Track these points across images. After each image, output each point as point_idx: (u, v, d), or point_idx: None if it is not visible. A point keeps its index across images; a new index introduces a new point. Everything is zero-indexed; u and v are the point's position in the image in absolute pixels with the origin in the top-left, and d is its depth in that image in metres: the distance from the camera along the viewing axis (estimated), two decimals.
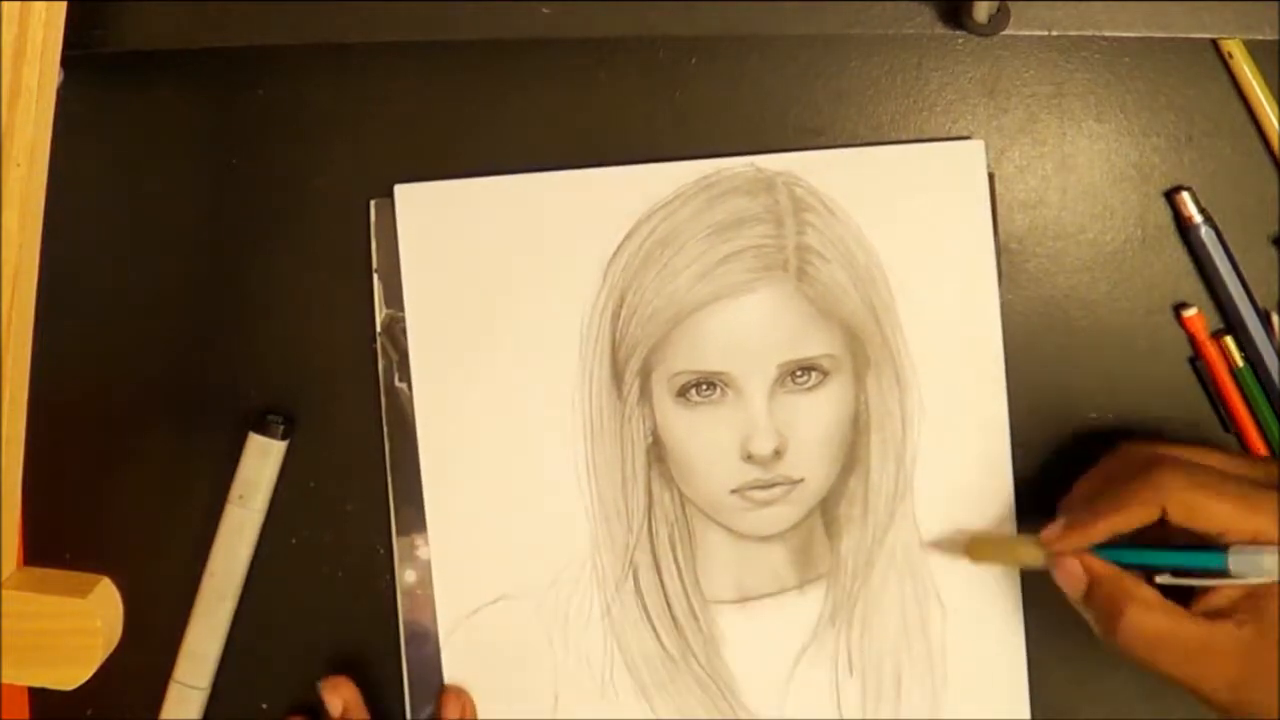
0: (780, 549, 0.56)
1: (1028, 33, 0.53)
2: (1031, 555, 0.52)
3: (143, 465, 0.56)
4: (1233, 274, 0.55)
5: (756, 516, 0.55)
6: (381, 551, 0.56)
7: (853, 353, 0.55)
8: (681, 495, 0.56)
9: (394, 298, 0.55)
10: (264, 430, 0.54)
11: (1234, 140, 0.56)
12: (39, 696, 0.55)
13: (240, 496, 0.55)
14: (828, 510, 0.56)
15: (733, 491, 0.55)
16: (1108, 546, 0.50)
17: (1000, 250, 0.55)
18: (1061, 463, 0.56)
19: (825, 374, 0.55)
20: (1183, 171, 0.56)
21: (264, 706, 0.56)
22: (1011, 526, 0.56)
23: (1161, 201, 0.56)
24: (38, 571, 0.47)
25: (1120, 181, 0.56)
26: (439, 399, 0.55)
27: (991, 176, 0.55)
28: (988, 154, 0.55)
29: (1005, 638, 0.56)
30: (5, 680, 0.45)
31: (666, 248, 0.55)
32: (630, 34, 0.54)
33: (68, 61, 0.46)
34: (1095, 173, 0.56)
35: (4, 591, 0.45)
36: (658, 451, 0.55)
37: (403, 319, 0.55)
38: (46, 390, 0.48)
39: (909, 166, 0.55)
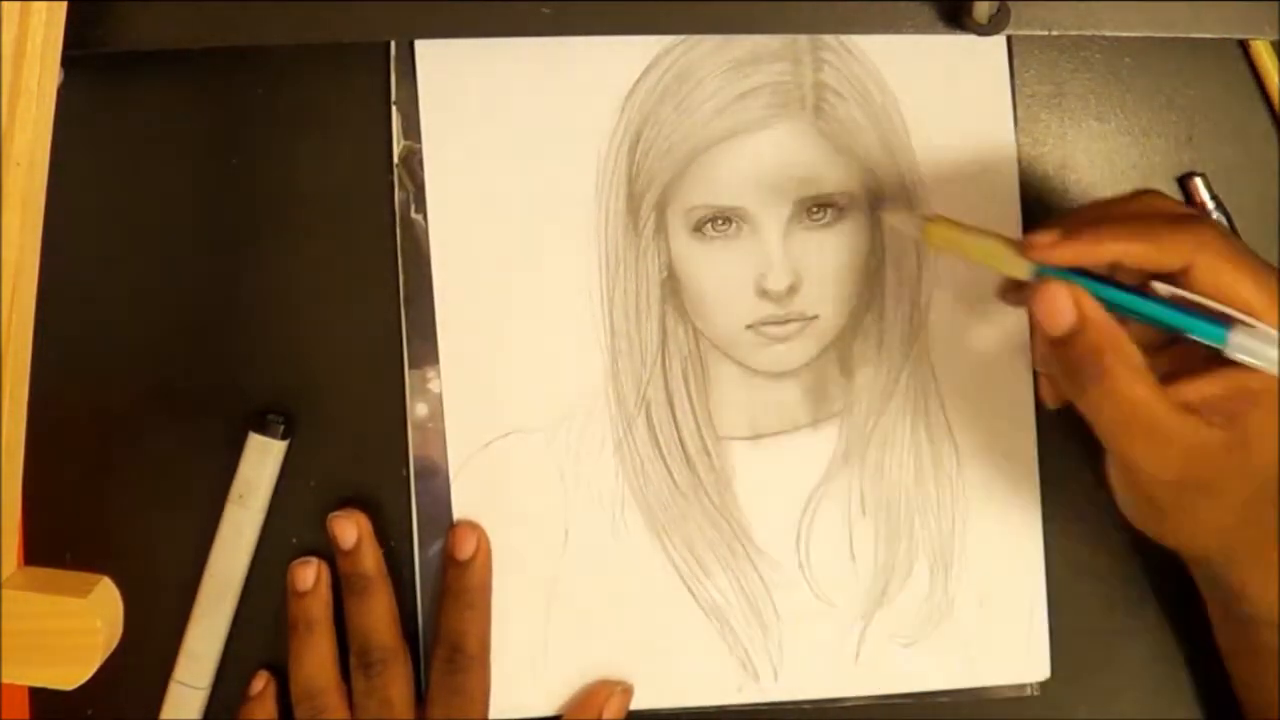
0: (794, 386, 0.56)
1: (1028, 33, 0.53)
2: (1010, 262, 0.47)
3: (143, 465, 0.56)
4: None
5: (770, 352, 0.55)
6: (383, 551, 0.56)
7: (869, 190, 0.55)
8: (695, 330, 0.56)
9: (412, 129, 0.55)
10: (264, 430, 0.54)
11: (1234, 139, 0.56)
12: (39, 696, 0.55)
13: (240, 496, 0.55)
14: (842, 348, 0.56)
15: (747, 327, 0.55)
16: (1100, 281, 0.45)
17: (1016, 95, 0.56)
18: (1062, 463, 0.56)
19: (841, 210, 0.55)
20: (1182, 171, 0.56)
21: None
22: (1026, 369, 0.55)
23: None
24: (38, 571, 0.47)
25: (1120, 181, 0.56)
26: (454, 230, 0.55)
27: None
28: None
29: (1019, 478, 0.56)
30: (5, 680, 0.45)
31: (684, 83, 0.55)
32: (629, 35, 0.54)
33: (68, 61, 0.46)
34: (1095, 173, 0.56)
35: (4, 591, 0.45)
36: (672, 286, 0.55)
37: (419, 150, 0.55)
38: (46, 390, 0.48)
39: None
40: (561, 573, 0.56)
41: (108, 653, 0.46)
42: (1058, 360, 0.46)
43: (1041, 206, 0.56)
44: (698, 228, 0.55)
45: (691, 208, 0.55)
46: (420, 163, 0.55)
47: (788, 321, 0.55)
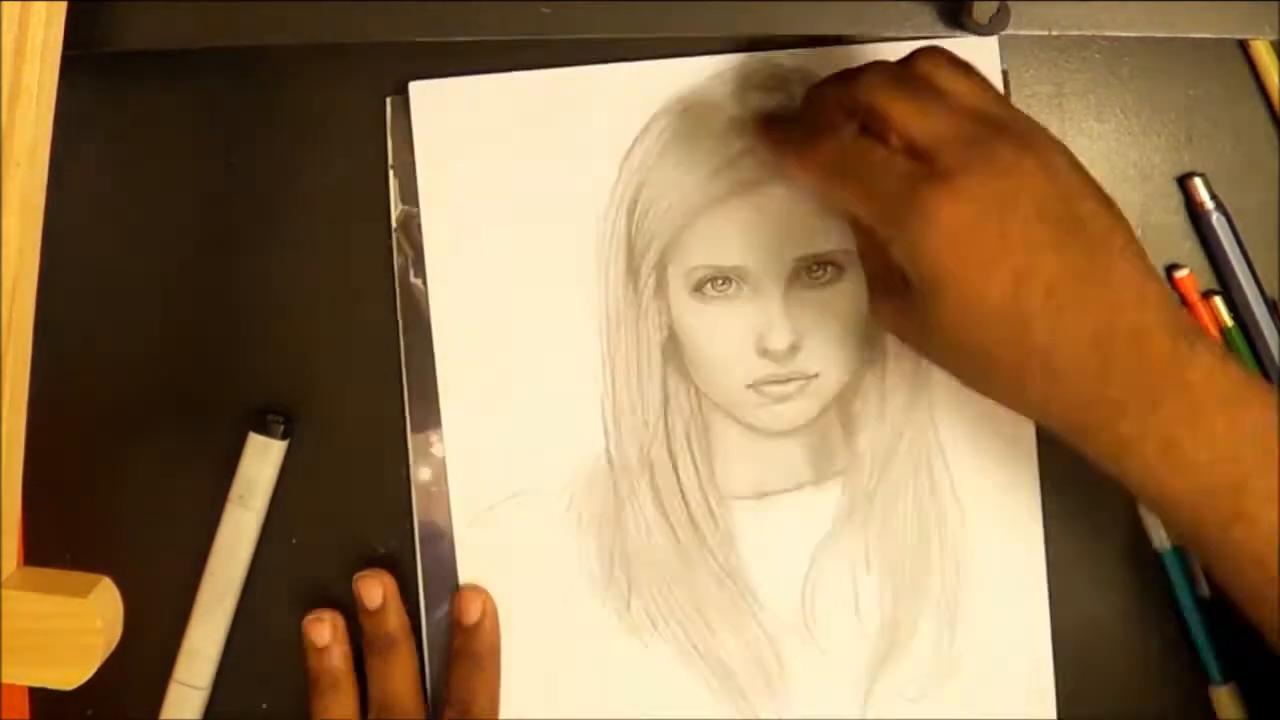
0: (796, 445, 0.56)
1: (1028, 33, 0.53)
2: None
3: (143, 465, 0.56)
4: (1242, 261, 0.55)
5: (772, 412, 0.55)
6: (382, 551, 0.56)
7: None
8: (697, 391, 0.55)
9: (409, 194, 0.55)
10: (264, 430, 0.54)
11: (1234, 139, 0.56)
12: (39, 696, 0.55)
13: (240, 496, 0.55)
14: (844, 406, 0.55)
15: (749, 387, 0.55)
16: None
17: None
18: (1062, 464, 0.56)
19: (841, 269, 0.55)
20: (1182, 171, 0.56)
21: (264, 706, 0.56)
22: (1030, 424, 0.55)
23: (1162, 201, 0.56)
24: (38, 571, 0.47)
25: (1121, 181, 0.56)
26: (454, 294, 0.55)
27: (1005, 73, 0.55)
28: (1002, 52, 0.54)
29: (1024, 537, 0.55)
30: (5, 680, 0.45)
31: (682, 143, 0.55)
32: (630, 34, 0.54)
33: (68, 61, 0.46)
34: (1095, 173, 0.55)
35: (4, 591, 0.45)
36: (673, 346, 0.55)
37: (418, 215, 0.55)
38: (46, 390, 0.48)
39: None
40: (568, 633, 0.55)
41: (108, 653, 0.46)
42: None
43: None
44: (698, 288, 0.55)
45: (692, 268, 0.55)
46: (418, 227, 0.55)
47: (789, 381, 0.55)
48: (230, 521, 0.55)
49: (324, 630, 0.54)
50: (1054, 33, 0.53)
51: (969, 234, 0.43)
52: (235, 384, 0.55)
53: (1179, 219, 0.56)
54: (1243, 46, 0.55)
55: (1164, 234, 0.56)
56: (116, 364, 0.56)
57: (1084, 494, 0.56)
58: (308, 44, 0.53)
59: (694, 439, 0.55)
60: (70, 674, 0.45)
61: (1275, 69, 0.55)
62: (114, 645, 0.46)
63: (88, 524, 0.55)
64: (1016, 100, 0.56)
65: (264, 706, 0.56)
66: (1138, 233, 0.56)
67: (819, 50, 0.54)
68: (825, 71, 0.53)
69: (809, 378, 0.55)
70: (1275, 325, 0.55)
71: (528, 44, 0.54)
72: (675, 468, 0.55)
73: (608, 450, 0.55)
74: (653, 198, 0.55)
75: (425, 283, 0.55)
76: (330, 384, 0.56)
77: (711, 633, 0.56)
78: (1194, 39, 0.54)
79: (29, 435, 0.46)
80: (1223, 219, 0.55)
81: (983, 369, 0.46)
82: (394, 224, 0.55)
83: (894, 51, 0.55)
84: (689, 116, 0.55)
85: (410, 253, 0.55)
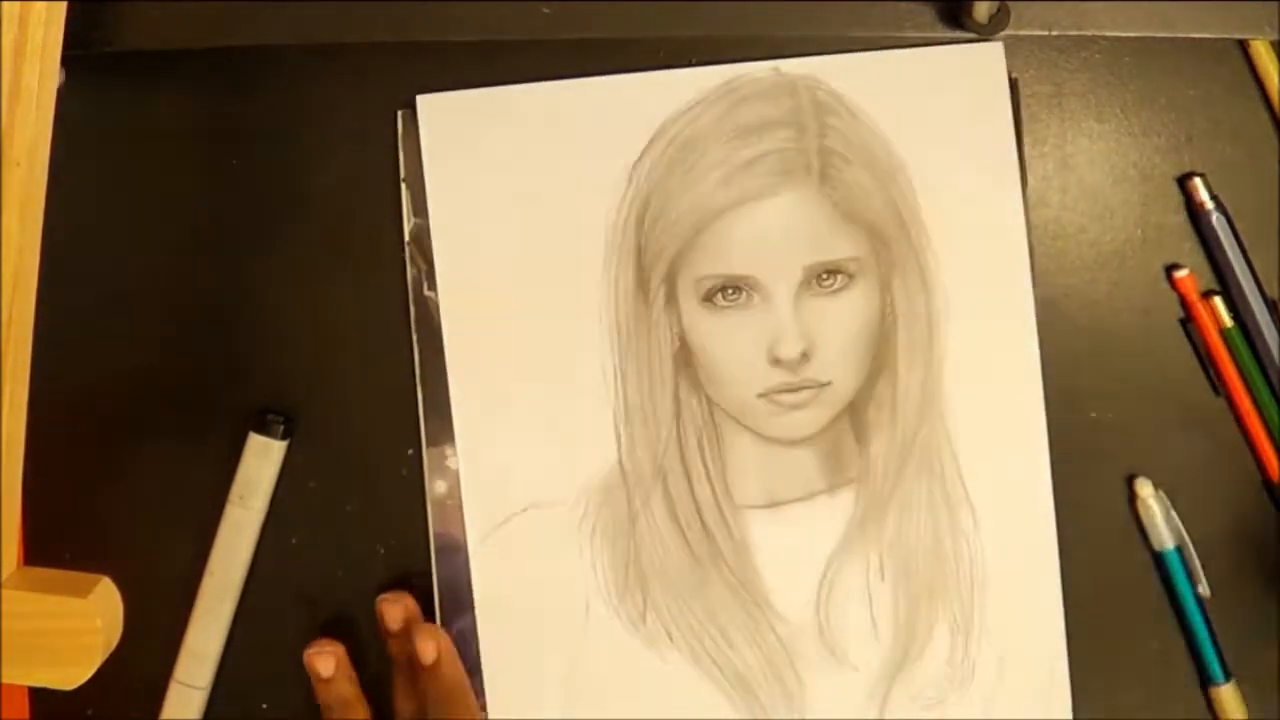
0: (809, 453, 0.56)
1: (1028, 33, 0.53)
2: None
3: (143, 465, 0.56)
4: (1242, 261, 0.55)
5: (785, 420, 0.55)
6: (382, 551, 0.56)
7: (878, 255, 0.55)
8: (709, 400, 0.55)
9: (421, 206, 0.55)
10: (264, 430, 0.54)
11: (1234, 139, 0.56)
12: (39, 696, 0.55)
13: (240, 496, 0.55)
14: (856, 414, 0.55)
15: (760, 395, 0.55)
16: None
17: (1024, 154, 0.55)
18: (1062, 463, 0.56)
19: (851, 277, 0.55)
20: (1182, 171, 0.56)
21: (264, 706, 0.56)
22: (1041, 429, 0.55)
23: (1162, 201, 0.56)
24: (38, 571, 0.47)
25: (1120, 181, 0.56)
26: (465, 308, 0.55)
27: (1014, 81, 0.55)
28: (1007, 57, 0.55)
29: (1038, 539, 0.55)
30: (5, 680, 0.45)
31: (690, 152, 0.55)
32: (630, 34, 0.54)
33: (68, 61, 0.46)
34: (1095, 173, 0.56)
35: (4, 591, 0.45)
36: (685, 356, 0.55)
37: (430, 227, 0.55)
38: (46, 390, 0.48)
39: (931, 68, 0.55)
40: (584, 646, 0.55)
41: (108, 653, 0.46)
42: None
43: (1042, 209, 0.56)
44: (708, 297, 0.55)
45: (701, 278, 0.55)
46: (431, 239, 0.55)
47: (801, 389, 0.55)
48: (230, 521, 0.55)
49: (328, 662, 0.54)
50: (1054, 33, 0.53)
51: None
52: (235, 384, 0.55)
53: (1179, 219, 0.56)
54: (1243, 46, 0.55)
55: (1164, 234, 0.56)
56: (117, 364, 0.56)
57: (1084, 494, 0.56)
58: (307, 44, 0.53)
59: (706, 449, 0.55)
60: (70, 674, 0.45)
61: (1275, 69, 0.55)
62: (114, 645, 0.46)
63: (88, 524, 0.55)
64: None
65: (264, 706, 0.56)
66: (1137, 234, 0.56)
67: (824, 59, 0.55)
68: (830, 79, 0.54)
69: (821, 386, 0.55)
70: (1275, 325, 0.55)
71: (530, 44, 0.54)
72: (688, 477, 0.55)
73: (620, 461, 0.55)
74: (662, 208, 0.55)
75: (439, 296, 0.55)
76: (330, 384, 0.56)
77: (727, 642, 0.56)
78: (1194, 39, 0.54)
79: (29, 435, 0.46)
80: (1223, 219, 0.55)
81: None
82: (407, 237, 0.55)
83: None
84: (697, 126, 0.55)
85: (424, 266, 0.55)
